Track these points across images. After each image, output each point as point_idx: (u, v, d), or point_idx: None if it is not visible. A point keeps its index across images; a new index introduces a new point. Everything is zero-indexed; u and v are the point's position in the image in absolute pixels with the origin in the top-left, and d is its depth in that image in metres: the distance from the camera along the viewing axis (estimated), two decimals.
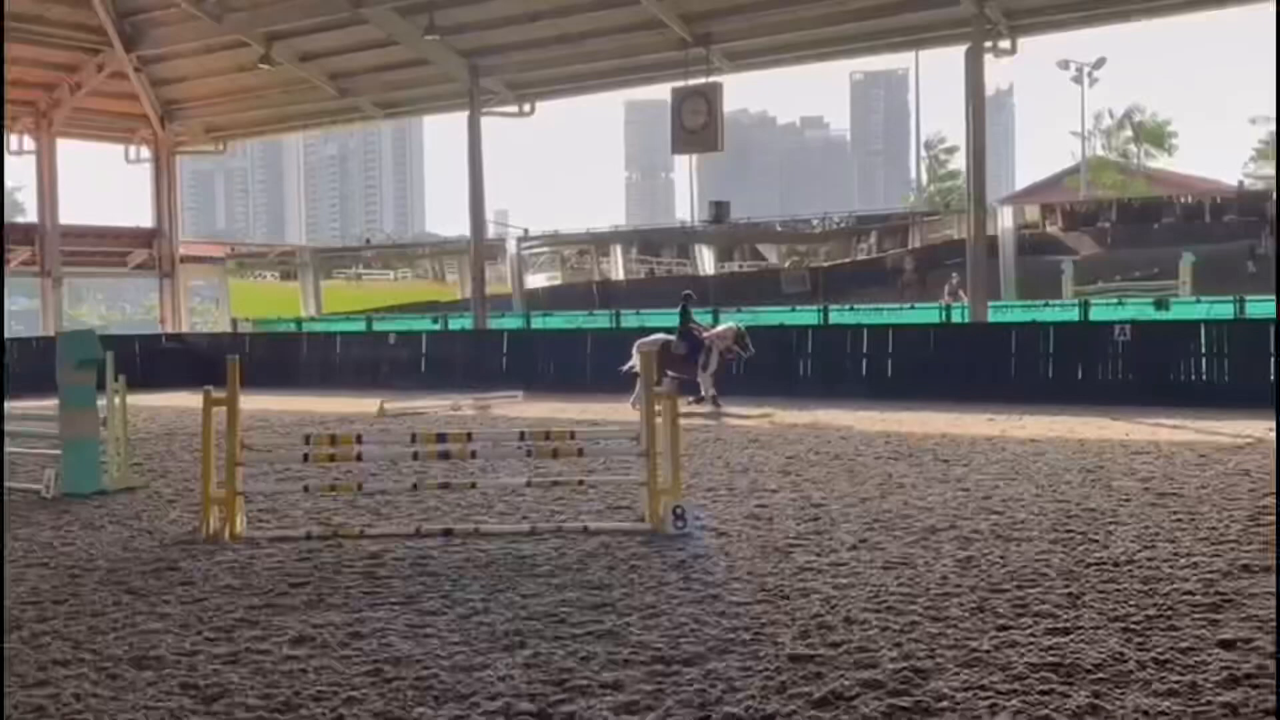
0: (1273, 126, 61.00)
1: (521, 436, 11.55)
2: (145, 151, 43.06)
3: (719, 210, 38.84)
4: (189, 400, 24.33)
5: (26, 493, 13.10)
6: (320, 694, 5.96)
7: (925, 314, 29.86)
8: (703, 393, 21.93)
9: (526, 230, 47.05)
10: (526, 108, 33.70)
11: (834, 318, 30.22)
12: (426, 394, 25.86)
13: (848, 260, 43.87)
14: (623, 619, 7.31)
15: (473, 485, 12.14)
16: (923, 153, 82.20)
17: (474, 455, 12.67)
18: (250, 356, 32.11)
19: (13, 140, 41.47)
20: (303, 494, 11.99)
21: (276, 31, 33.02)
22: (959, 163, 77.32)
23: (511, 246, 45.02)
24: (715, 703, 5.74)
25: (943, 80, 36.56)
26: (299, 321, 41.91)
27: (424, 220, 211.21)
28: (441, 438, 11.68)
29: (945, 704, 5.68)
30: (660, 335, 22.82)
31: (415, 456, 12.14)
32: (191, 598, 8.11)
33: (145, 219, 44.21)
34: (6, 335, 38.97)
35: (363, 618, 7.47)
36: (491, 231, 42.01)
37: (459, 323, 36.42)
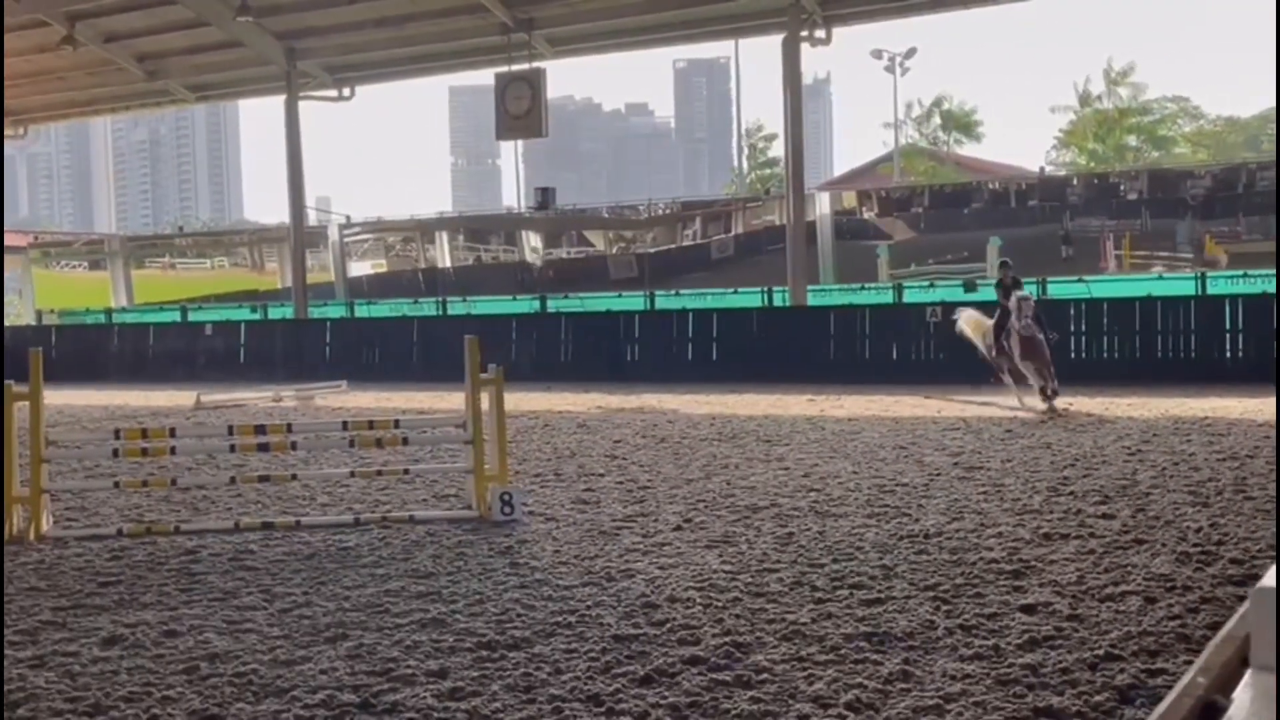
0: (1070, 116, 63.93)
1: (344, 426, 11.37)
2: None
3: (545, 196, 38.77)
4: None
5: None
6: (133, 695, 5.77)
7: (748, 298, 30.42)
8: (1039, 384, 16.78)
9: (349, 217, 46.17)
10: (346, 92, 33.04)
11: (660, 303, 30.54)
12: (246, 386, 25.16)
13: (673, 246, 44.36)
14: (448, 606, 7.28)
15: (293, 477, 11.87)
16: (743, 140, 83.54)
17: (294, 447, 12.36)
18: (56, 349, 30.77)
19: None
20: (113, 490, 11.58)
21: (79, 11, 31.56)
22: (778, 150, 78.93)
23: (334, 233, 44.13)
24: (540, 685, 5.77)
25: (762, 69, 37.24)
26: (109, 312, 40.26)
27: (242, 207, 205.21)
28: (260, 429, 11.40)
29: (765, 676, 5.83)
30: (973, 310, 18.79)
31: (232, 449, 11.84)
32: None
33: None
34: None
35: (178, 615, 7.26)
36: (313, 219, 41.09)
37: (280, 312, 35.53)
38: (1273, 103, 60.44)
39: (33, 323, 40.12)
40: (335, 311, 36.16)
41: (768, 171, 72.04)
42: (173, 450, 11.35)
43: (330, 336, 30.94)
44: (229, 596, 7.71)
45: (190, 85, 35.90)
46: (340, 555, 8.92)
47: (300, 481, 11.97)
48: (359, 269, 46.40)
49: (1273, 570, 2.41)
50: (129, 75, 35.33)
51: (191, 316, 36.62)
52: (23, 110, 40.67)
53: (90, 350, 32.94)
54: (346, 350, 29.21)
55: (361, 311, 35.62)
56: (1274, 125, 55.86)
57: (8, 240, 49.73)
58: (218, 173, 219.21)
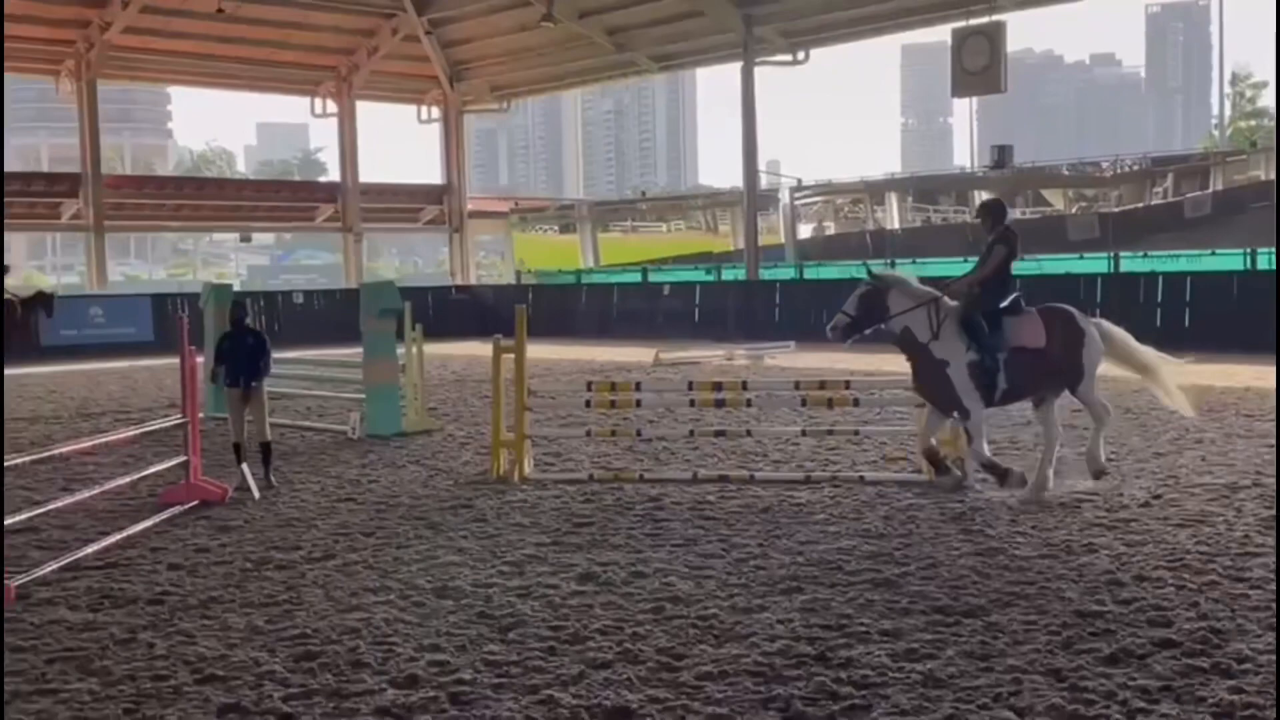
0: None
1: (796, 386, 11.57)
2: (435, 111, 45.08)
3: (1001, 154, 37.44)
4: (477, 349, 25.49)
5: (335, 433, 14.07)
6: (606, 628, 6.20)
7: (1227, 260, 27.98)
8: None
9: (799, 180, 46.72)
10: (800, 56, 33.37)
11: (1126, 265, 28.75)
12: (700, 344, 26.18)
13: (1140, 205, 41.59)
14: (900, 569, 7.27)
15: (748, 433, 12.26)
16: (1226, 89, 76.71)
17: (749, 404, 12.78)
18: (533, 307, 33.38)
19: (316, 104, 44.25)
20: (584, 438, 12.42)
21: None
22: (1268, 99, 71.81)
23: (784, 196, 44.85)
24: (998, 655, 5.65)
25: (1248, 10, 33.94)
26: (578, 273, 43.10)
27: (696, 172, 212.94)
28: (717, 386, 11.83)
29: (1248, 666, 5.40)
30: None
31: (691, 404, 12.36)
32: (485, 534, 8.56)
33: (436, 176, 46.33)
34: (311, 288, 41.84)
35: (644, 557, 7.71)
36: (764, 182, 41.91)
37: (732, 273, 36.64)
38: None
39: (513, 282, 43.61)
40: (784, 273, 36.83)
41: (1253, 123, 65.80)
42: (638, 403, 12.01)
43: (780, 298, 31.56)
44: (690, 543, 8.09)
45: (654, 56, 37.59)
46: (793, 511, 9.11)
47: (754, 438, 12.34)
48: (807, 231, 46.93)
49: None
50: (599, 49, 37.48)
51: (651, 277, 38.49)
52: (506, 86, 44.19)
53: (561, 308, 35.48)
54: (795, 311, 29.67)
55: (810, 273, 36.04)
56: None
57: (493, 206, 54.34)
58: (675, 139, 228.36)
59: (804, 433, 12.11)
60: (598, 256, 48.64)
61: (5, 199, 40.68)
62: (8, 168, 40.27)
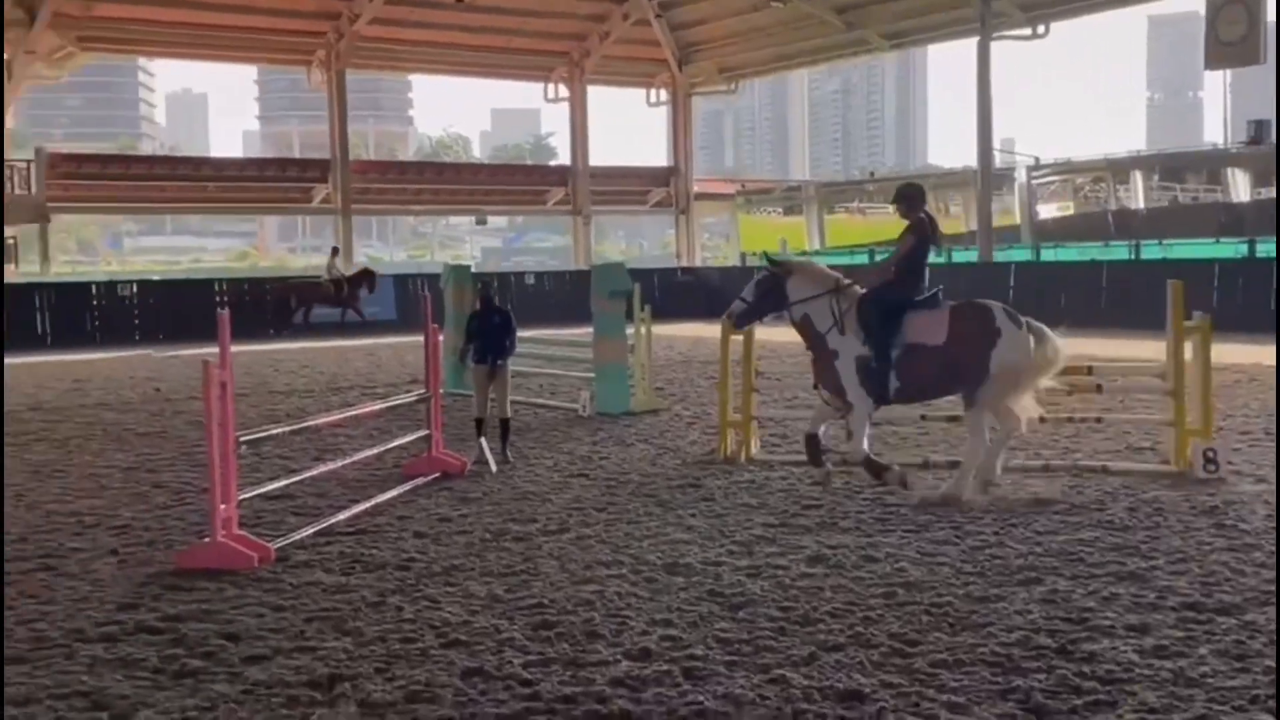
0: None
1: None
2: (664, 94, 45.50)
3: (1259, 130, 35.28)
4: (702, 330, 25.67)
5: (566, 411, 14.42)
6: (837, 611, 6.16)
7: None
8: None
9: (1037, 159, 45.07)
10: (1040, 29, 32.21)
11: None
12: None
13: None
14: (1147, 562, 6.97)
15: None
16: None
17: None
18: None
19: (548, 89, 45.28)
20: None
21: None
22: None
23: (1020, 176, 43.37)
24: (1255, 655, 5.36)
25: None
26: (803, 255, 42.80)
27: (926, 152, 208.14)
28: None
29: None
30: None
31: None
32: (713, 513, 8.63)
33: (662, 159, 46.79)
34: (541, 270, 42.92)
35: (874, 542, 7.63)
36: (998, 161, 40.65)
37: (963, 256, 35.70)
38: None
39: (738, 264, 43.67)
40: (1019, 255, 35.65)
41: None
42: None
43: (1014, 280, 30.57)
44: (921, 529, 7.96)
45: (885, 34, 36.95)
46: (1029, 500, 8.84)
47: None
48: (1045, 212, 45.25)
49: None
50: (829, 28, 37.10)
51: (878, 259, 37.89)
52: (733, 67, 44.24)
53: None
54: (1030, 294, 28.65)
55: (1047, 255, 34.79)
56: None
57: (718, 188, 54.51)
58: (905, 119, 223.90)
59: (1042, 419, 11.69)
60: (823, 238, 48.18)
61: (262, 183, 43.30)
62: (264, 153, 42.57)
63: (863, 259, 38.57)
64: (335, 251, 33.73)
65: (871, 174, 75.30)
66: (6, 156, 38.98)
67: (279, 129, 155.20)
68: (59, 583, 7.02)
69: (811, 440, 9.66)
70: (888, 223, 50.70)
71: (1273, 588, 6.38)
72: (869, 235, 47.08)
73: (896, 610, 6.18)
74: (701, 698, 4.98)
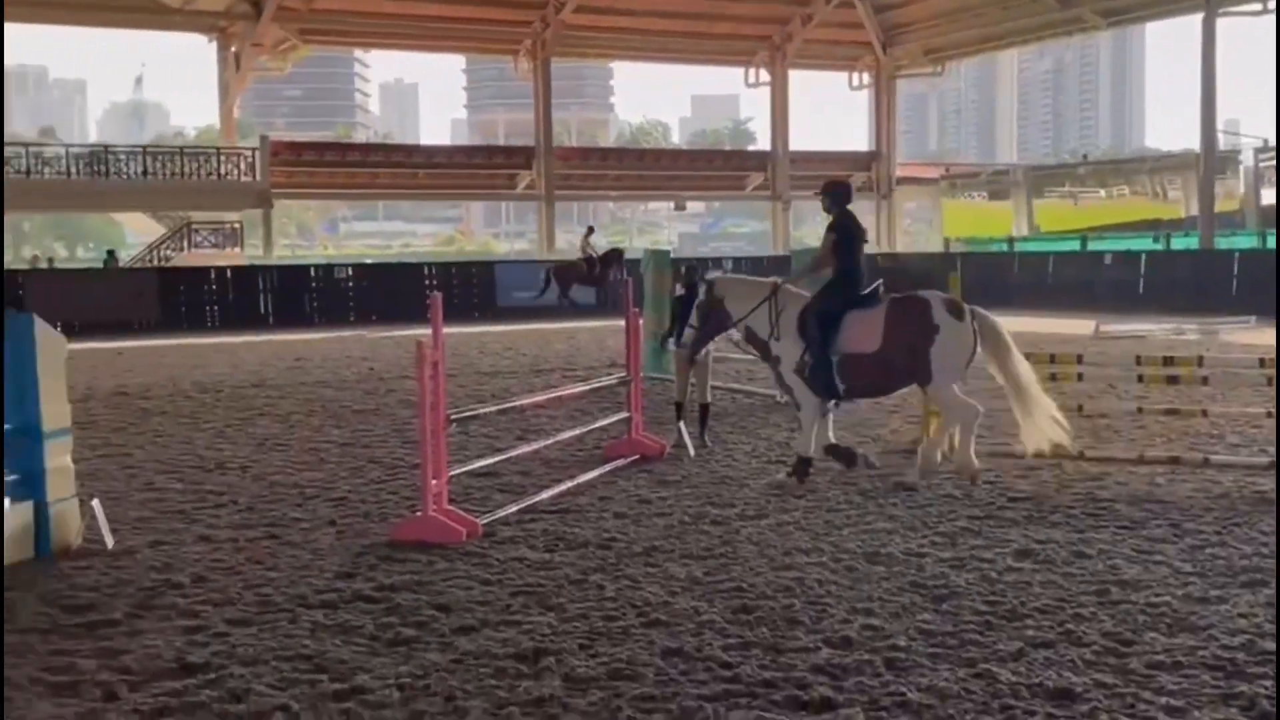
0: None
1: (1260, 363, 10.62)
2: (866, 78, 44.83)
3: None
4: None
5: (764, 397, 14.38)
6: (1046, 607, 5.99)
7: None
8: None
9: (1265, 140, 42.64)
10: (1270, 4, 30.45)
11: None
12: (1145, 317, 24.59)
13: None
14: None
15: (1203, 413, 11.41)
16: None
17: (1205, 382, 11.85)
18: (961, 276, 32.51)
19: (749, 74, 45.16)
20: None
21: None
22: None
23: (1247, 159, 41.13)
24: None
25: None
26: (1010, 241, 41.60)
27: (1143, 134, 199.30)
28: (1168, 361, 11.06)
29: None
30: None
31: (1140, 380, 11.62)
32: (915, 503, 8.49)
33: (863, 143, 46.16)
34: (739, 255, 42.90)
35: (1086, 538, 7.37)
36: (1222, 143, 38.62)
37: (1182, 242, 34.14)
38: None
39: (940, 250, 42.74)
40: (1244, 242, 33.87)
41: None
42: (1079, 377, 11.44)
43: (1238, 269, 29.05)
44: (1136, 526, 7.65)
45: (1101, 11, 35.54)
46: (1254, 499, 8.41)
47: (1209, 418, 11.48)
48: (1272, 196, 42.78)
49: None
50: (1041, 6, 35.89)
51: (1090, 246, 36.55)
52: (939, 48, 43.29)
53: (991, 277, 34.32)
54: (1257, 284, 27.20)
55: (1274, 242, 32.91)
56: None
57: (921, 172, 53.44)
58: (1120, 99, 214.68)
59: (1270, 414, 11.09)
60: (1032, 224, 46.67)
61: (469, 170, 44.55)
62: (471, 141, 43.93)
63: (1074, 245, 37.30)
64: (590, 231, 33.79)
65: (1084, 157, 72.48)
66: (234, 145, 41.17)
67: (485, 117, 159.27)
68: (282, 550, 7.39)
69: (831, 450, 9.59)
70: (1102, 207, 48.93)
71: None
72: (1081, 221, 45.43)
73: (1109, 608, 5.96)
74: (904, 689, 4.91)
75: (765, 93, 45.06)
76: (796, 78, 45.28)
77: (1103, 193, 50.90)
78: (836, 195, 9.56)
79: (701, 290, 9.85)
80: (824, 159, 46.91)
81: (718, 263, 37.13)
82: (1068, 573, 6.61)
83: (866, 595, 6.26)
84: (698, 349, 10.13)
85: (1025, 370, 9.28)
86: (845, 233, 9.34)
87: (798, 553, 7.16)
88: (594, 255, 31.85)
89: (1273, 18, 30.64)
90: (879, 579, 6.56)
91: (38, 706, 4.88)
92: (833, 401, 9.51)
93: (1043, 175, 54.14)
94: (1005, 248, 39.86)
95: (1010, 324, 23.25)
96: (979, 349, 9.16)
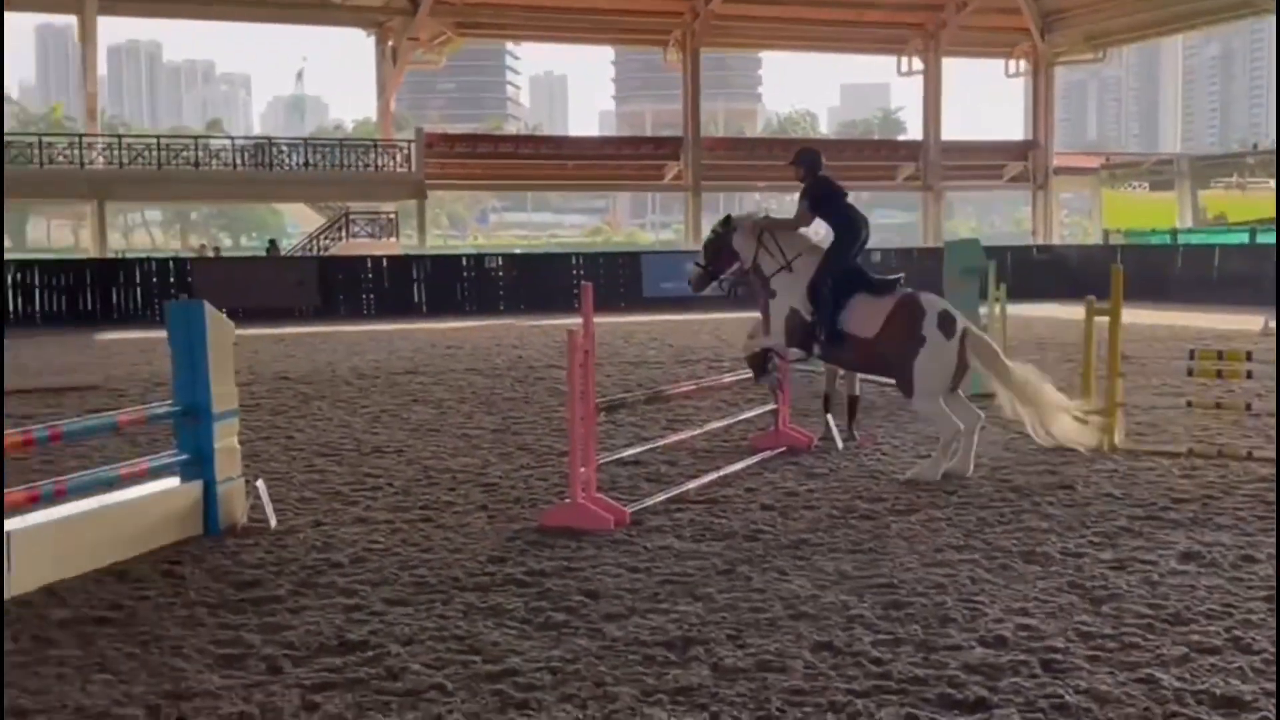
0: None
1: None
2: (1023, 65, 43.73)
3: None
4: (1058, 312, 24.58)
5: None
6: (1212, 612, 5.77)
7: None
8: None
9: None
10: None
11: None
12: None
13: None
14: None
15: None
16: None
17: None
18: (1121, 269, 31.52)
19: (901, 62, 44.45)
20: (1183, 410, 11.59)
21: None
22: None
23: None
24: None
25: None
26: (1173, 233, 40.12)
27: None
28: None
29: None
30: None
31: None
32: (1072, 502, 8.26)
33: (1018, 132, 45.06)
34: (887, 247, 42.28)
35: (1254, 541, 7.08)
36: None
37: None
38: None
39: (1098, 242, 41.47)
40: None
41: None
42: (1248, 375, 10.99)
43: None
44: None
45: None
46: None
47: None
48: None
49: None
50: None
51: (1259, 238, 35.02)
52: (1101, 34, 41.97)
53: (1153, 270, 33.18)
54: None
55: None
56: None
57: (1079, 162, 51.92)
58: None
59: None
60: (1197, 215, 44.94)
61: (617, 161, 44.86)
62: (619, 132, 44.26)
63: (1241, 238, 35.81)
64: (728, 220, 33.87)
65: (1254, 146, 69.50)
66: (390, 137, 42.21)
67: (633, 108, 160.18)
68: (436, 534, 7.56)
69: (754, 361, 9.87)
70: (1272, 199, 46.78)
71: None
72: (1250, 212, 43.54)
73: None
74: (1062, 691, 4.79)
75: (917, 81, 44.30)
76: (950, 65, 44.42)
77: (1273, 183, 48.72)
78: (807, 163, 9.70)
79: (715, 227, 10.11)
80: (977, 148, 45.97)
81: (866, 254, 36.74)
82: (1235, 577, 6.36)
83: (1022, 595, 6.11)
84: (704, 285, 10.21)
85: (1024, 375, 9.31)
86: (809, 200, 9.58)
87: (949, 549, 7.04)
88: None
89: None
90: (1035, 578, 6.41)
91: (207, 677, 5.08)
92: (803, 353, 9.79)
93: (1209, 165, 52.04)
94: (1168, 240, 38.45)
95: (1171, 319, 22.59)
96: (975, 365, 9.25)
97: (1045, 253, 38.07)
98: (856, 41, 44.73)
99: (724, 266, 9.92)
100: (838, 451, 10.29)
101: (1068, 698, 4.73)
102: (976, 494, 8.55)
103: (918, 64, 43.73)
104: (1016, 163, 44.42)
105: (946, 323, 9.06)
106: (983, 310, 14.29)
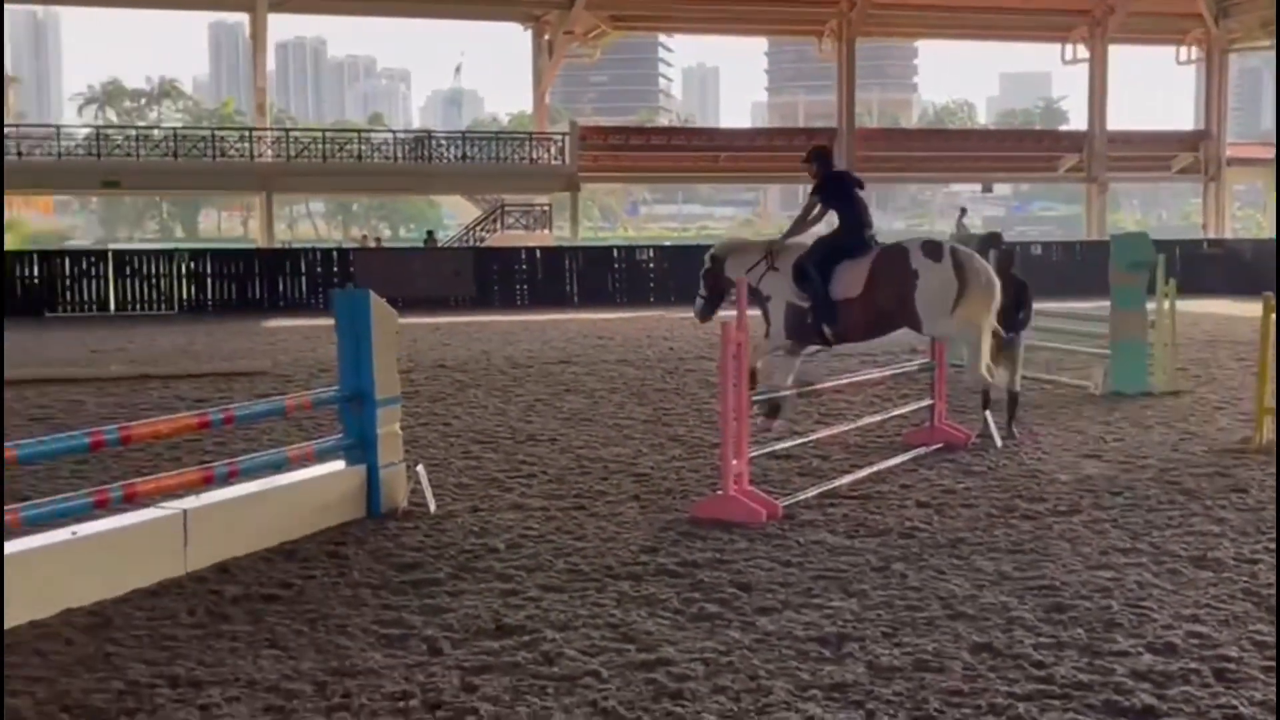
0: None
1: None
2: (1195, 52, 42.09)
3: None
4: (1230, 308, 23.61)
5: (1075, 388, 13.76)
6: None
7: None
8: None
9: None
10: None
11: None
12: None
13: None
14: None
15: None
16: None
17: None
18: None
19: (1065, 50, 43.19)
20: None
21: None
22: None
23: None
24: None
25: None
26: None
27: None
28: None
29: None
30: None
31: None
32: (1247, 505, 7.93)
33: (1187, 121, 43.39)
34: (1048, 240, 41.14)
35: None
36: None
37: None
38: None
39: (1273, 236, 39.65)
40: None
41: None
42: None
43: None
44: None
45: None
46: None
47: None
48: None
49: None
50: None
51: None
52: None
53: None
54: None
55: None
56: None
57: (1254, 153, 49.69)
58: None
59: None
60: None
61: (769, 153, 44.61)
62: (771, 124, 44.03)
63: None
64: (963, 212, 33.50)
65: None
66: (545, 130, 42.76)
67: (785, 100, 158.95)
68: (589, 522, 7.64)
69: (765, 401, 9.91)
70: None
71: None
72: None
73: None
74: (1236, 702, 4.60)
75: (1082, 69, 42.98)
76: (1116, 53, 42.99)
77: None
78: (819, 160, 10.27)
79: (706, 259, 10.77)
80: (1144, 139, 44.39)
81: (1025, 247, 35.83)
82: None
83: (1193, 601, 5.89)
84: (709, 314, 10.82)
85: (990, 317, 9.61)
86: (820, 196, 10.10)
87: (1115, 552, 6.82)
88: (968, 237, 31.20)
89: None
90: (1206, 584, 6.17)
91: (371, 656, 5.22)
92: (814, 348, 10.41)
93: None
94: None
95: None
96: (971, 283, 9.52)
97: (1216, 247, 36.56)
98: (1018, 29, 43.57)
99: (722, 294, 10.66)
100: (996, 449, 10.06)
101: (1242, 709, 4.54)
102: (1144, 496, 8.26)
103: (1083, 51, 42.41)
104: (1186, 153, 42.72)
105: (932, 249, 9.60)
106: (1150, 306, 13.80)
